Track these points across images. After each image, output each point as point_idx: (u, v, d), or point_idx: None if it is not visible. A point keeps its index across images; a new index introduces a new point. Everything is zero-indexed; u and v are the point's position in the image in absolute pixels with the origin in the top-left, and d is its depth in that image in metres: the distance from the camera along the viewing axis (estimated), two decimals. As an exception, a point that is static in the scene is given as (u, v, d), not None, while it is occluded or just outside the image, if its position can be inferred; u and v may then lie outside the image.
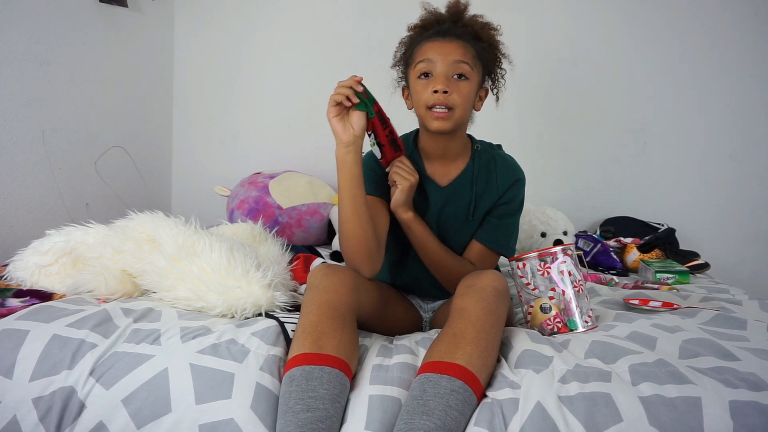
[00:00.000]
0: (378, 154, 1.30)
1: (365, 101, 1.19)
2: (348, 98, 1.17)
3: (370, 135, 1.26)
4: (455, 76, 1.24)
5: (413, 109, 1.33)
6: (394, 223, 1.35)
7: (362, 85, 1.19)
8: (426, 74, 1.25)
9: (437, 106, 1.23)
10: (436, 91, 1.22)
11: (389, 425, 0.93)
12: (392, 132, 1.28)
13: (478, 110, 1.35)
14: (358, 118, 1.19)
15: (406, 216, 1.30)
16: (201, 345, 1.04)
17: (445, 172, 1.35)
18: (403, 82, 1.37)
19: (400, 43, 1.38)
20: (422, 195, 1.35)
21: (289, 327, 1.14)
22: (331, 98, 1.18)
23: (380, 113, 1.24)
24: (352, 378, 1.02)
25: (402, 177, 1.27)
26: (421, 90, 1.25)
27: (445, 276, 1.32)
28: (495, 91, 1.38)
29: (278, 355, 1.06)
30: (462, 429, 0.91)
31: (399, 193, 1.28)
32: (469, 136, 1.40)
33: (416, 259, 1.38)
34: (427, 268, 1.35)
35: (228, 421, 0.94)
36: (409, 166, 1.29)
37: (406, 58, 1.34)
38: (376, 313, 1.24)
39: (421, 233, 1.31)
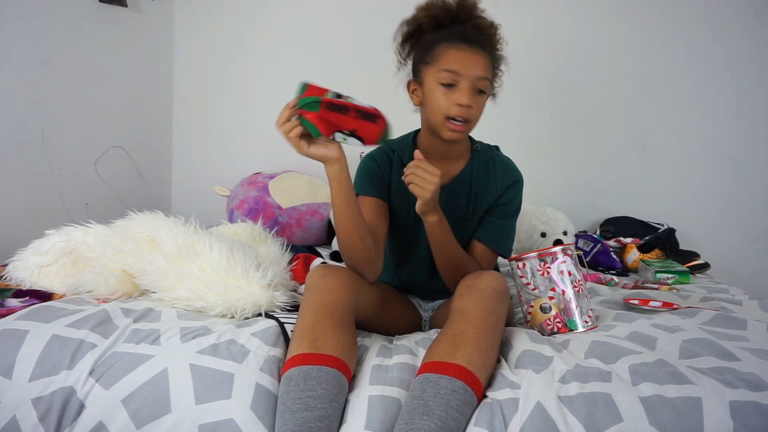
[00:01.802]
0: (359, 142, 1.12)
1: (304, 119, 1.09)
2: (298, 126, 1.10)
3: (334, 135, 1.11)
4: (476, 91, 1.23)
5: (418, 107, 1.31)
6: (396, 225, 1.35)
7: (297, 103, 1.11)
8: (449, 84, 1.22)
9: (458, 119, 1.22)
10: (461, 105, 1.21)
11: (389, 425, 0.93)
12: (359, 109, 1.10)
13: None
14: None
15: (432, 219, 1.20)
16: (201, 345, 1.04)
17: (444, 172, 1.32)
18: (411, 75, 1.32)
19: (406, 24, 1.31)
20: None
21: (288, 327, 1.14)
22: (289, 138, 1.11)
23: (330, 104, 1.09)
24: (351, 378, 1.02)
25: (422, 185, 1.13)
26: (443, 99, 1.22)
27: (454, 277, 1.24)
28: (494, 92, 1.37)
29: (278, 355, 1.06)
30: (462, 429, 0.91)
31: (421, 204, 1.16)
32: (471, 139, 1.40)
33: (417, 261, 1.38)
34: (433, 268, 1.34)
35: (228, 422, 0.94)
36: (427, 167, 1.14)
37: (423, 53, 1.27)
38: (375, 313, 1.24)
39: (446, 234, 1.23)
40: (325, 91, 1.10)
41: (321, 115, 1.09)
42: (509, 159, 1.41)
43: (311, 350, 0.98)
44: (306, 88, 1.11)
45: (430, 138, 1.32)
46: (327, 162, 1.15)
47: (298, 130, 1.10)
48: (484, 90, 1.24)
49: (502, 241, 1.35)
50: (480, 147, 1.38)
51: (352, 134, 1.11)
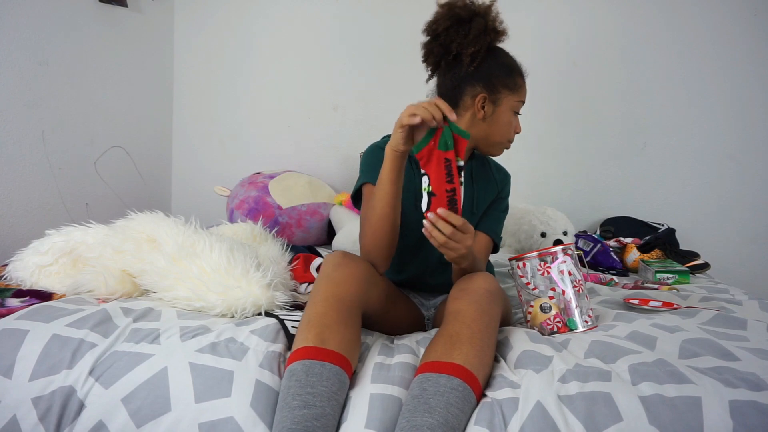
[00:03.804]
0: (424, 205, 1.09)
1: (429, 137, 1.08)
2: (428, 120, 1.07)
3: (424, 175, 1.10)
4: None
5: (482, 119, 1.32)
6: (401, 220, 1.36)
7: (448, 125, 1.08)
8: (518, 113, 1.37)
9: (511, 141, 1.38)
10: (517, 132, 1.38)
11: (390, 424, 0.93)
12: (455, 191, 1.07)
13: None
14: (419, 134, 1.12)
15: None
16: (200, 344, 1.04)
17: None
18: (491, 92, 1.32)
19: (483, 33, 1.29)
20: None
21: (289, 324, 1.14)
22: (421, 108, 1.08)
23: (449, 164, 1.07)
24: (353, 375, 1.02)
25: (454, 248, 1.11)
26: (511, 124, 1.37)
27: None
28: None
29: (278, 350, 1.06)
30: (463, 426, 0.91)
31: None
32: None
33: (422, 256, 1.39)
34: (436, 264, 1.39)
35: (228, 420, 0.94)
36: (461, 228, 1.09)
37: (507, 78, 1.32)
38: (382, 308, 1.24)
39: (469, 263, 1.21)
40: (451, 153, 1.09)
41: (433, 158, 1.09)
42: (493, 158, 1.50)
43: (316, 344, 0.98)
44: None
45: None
46: (395, 145, 1.13)
47: (416, 119, 1.07)
48: None
49: (499, 232, 1.44)
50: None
51: (430, 194, 1.09)
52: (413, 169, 1.36)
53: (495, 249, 1.44)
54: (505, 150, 1.40)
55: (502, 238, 1.49)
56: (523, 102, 1.38)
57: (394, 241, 1.24)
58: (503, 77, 1.33)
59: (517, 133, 1.39)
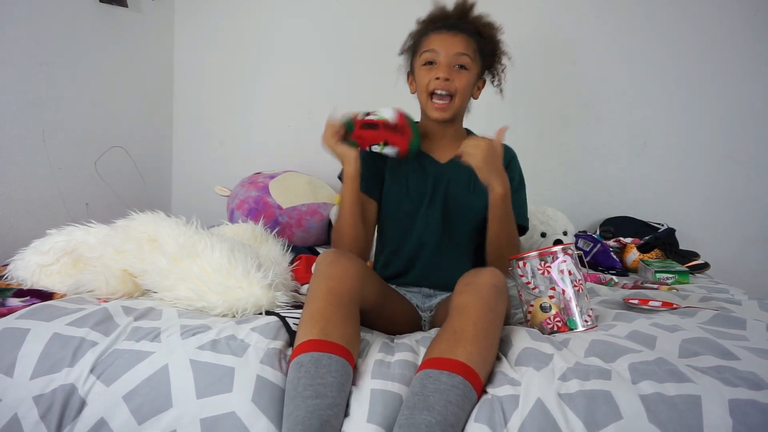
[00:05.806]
0: (395, 151, 1.34)
1: (348, 139, 1.33)
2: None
3: (371, 147, 1.34)
4: (456, 66, 1.35)
5: (415, 94, 1.43)
6: (393, 207, 1.41)
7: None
8: (430, 62, 1.36)
9: (438, 92, 1.34)
10: (438, 78, 1.33)
11: (391, 419, 0.93)
12: (386, 124, 1.32)
13: (476, 98, 1.46)
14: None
15: (497, 192, 1.27)
16: (200, 341, 1.05)
17: (443, 151, 1.44)
18: (408, 69, 1.47)
19: (409, 36, 1.46)
20: (422, 172, 1.43)
21: (290, 321, 1.14)
22: (330, 128, 1.31)
23: (363, 123, 1.32)
24: (354, 370, 1.02)
25: (471, 151, 1.25)
26: (424, 76, 1.36)
27: (496, 251, 1.34)
28: (497, 84, 1.47)
29: (278, 347, 1.06)
30: (462, 424, 0.91)
31: (478, 171, 1.26)
32: (468, 131, 1.50)
33: (410, 243, 1.43)
34: (422, 255, 1.42)
35: (229, 415, 0.94)
36: (475, 141, 1.26)
37: (413, 47, 1.44)
38: (377, 304, 1.24)
39: (506, 209, 1.30)
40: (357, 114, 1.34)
41: (357, 133, 1.33)
42: None
43: (321, 337, 0.99)
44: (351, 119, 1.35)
45: (427, 122, 1.44)
46: (347, 160, 1.31)
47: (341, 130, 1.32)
48: (464, 66, 1.35)
49: (520, 213, 1.41)
50: (474, 134, 1.48)
51: (386, 144, 1.33)
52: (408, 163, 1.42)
53: (522, 231, 1.43)
54: (436, 109, 1.36)
55: (526, 217, 1.46)
56: (431, 50, 1.36)
57: (358, 239, 1.37)
58: (410, 50, 1.44)
59: (440, 78, 1.34)
